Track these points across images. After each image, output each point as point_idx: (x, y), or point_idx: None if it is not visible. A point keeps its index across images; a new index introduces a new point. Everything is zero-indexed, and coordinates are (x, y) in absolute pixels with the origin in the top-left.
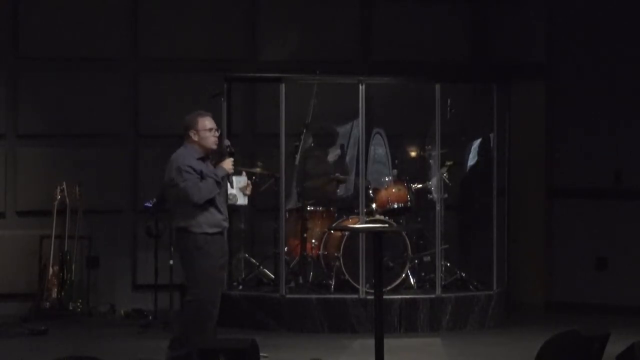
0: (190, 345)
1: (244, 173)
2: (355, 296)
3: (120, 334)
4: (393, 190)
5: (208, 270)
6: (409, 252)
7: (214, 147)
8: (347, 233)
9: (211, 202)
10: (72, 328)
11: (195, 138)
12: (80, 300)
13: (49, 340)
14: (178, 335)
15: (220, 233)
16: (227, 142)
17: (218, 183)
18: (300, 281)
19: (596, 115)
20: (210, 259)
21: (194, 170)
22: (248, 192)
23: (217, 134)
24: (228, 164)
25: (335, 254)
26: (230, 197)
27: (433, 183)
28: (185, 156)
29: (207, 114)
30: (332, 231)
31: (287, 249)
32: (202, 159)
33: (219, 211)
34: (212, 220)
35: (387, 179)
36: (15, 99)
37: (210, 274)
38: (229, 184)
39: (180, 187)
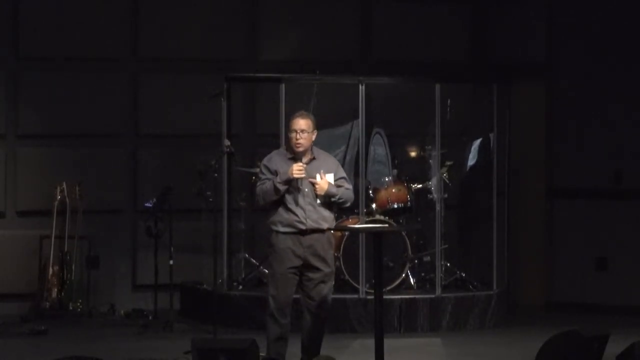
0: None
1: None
2: (355, 296)
3: (120, 334)
4: (393, 190)
5: (276, 269)
6: (409, 252)
7: (295, 149)
8: (347, 233)
9: (286, 202)
10: (72, 328)
11: (288, 137)
12: (80, 300)
13: (49, 340)
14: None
15: (296, 233)
16: (227, 142)
17: (276, 187)
18: None
19: (596, 115)
20: (277, 259)
21: (269, 170)
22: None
23: (298, 136)
24: (292, 167)
25: (335, 254)
26: None
27: (433, 183)
28: (272, 155)
29: (300, 115)
30: (332, 231)
31: None
32: (294, 159)
33: (293, 212)
34: (285, 220)
35: (387, 179)
36: (15, 99)
37: (278, 273)
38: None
39: None
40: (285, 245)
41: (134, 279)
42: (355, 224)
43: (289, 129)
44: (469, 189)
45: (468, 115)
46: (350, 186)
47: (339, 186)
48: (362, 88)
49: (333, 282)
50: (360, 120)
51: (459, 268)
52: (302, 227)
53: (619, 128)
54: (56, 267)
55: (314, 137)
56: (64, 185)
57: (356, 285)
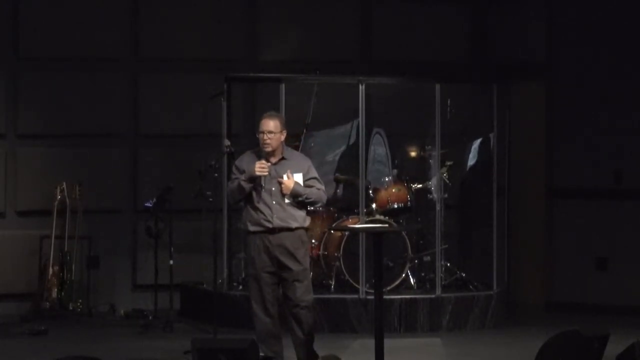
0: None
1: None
2: (355, 296)
3: (120, 334)
4: (393, 190)
5: (251, 270)
6: (409, 252)
7: (264, 149)
8: (347, 233)
9: (253, 201)
10: (72, 328)
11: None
12: (80, 300)
13: (49, 340)
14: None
15: (265, 232)
16: (227, 142)
17: (241, 185)
18: None
19: (596, 115)
20: (251, 260)
21: (238, 169)
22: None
23: (265, 137)
24: (255, 165)
25: (335, 254)
26: None
27: (433, 183)
28: (244, 155)
29: (269, 116)
30: (332, 231)
31: None
32: (265, 159)
33: (260, 210)
34: (253, 218)
35: (387, 179)
36: (15, 99)
37: (253, 274)
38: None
39: None
40: (256, 245)
41: (134, 279)
42: (355, 224)
43: (258, 129)
44: (469, 189)
45: (468, 115)
46: (321, 186)
47: (309, 186)
48: (362, 88)
49: (309, 281)
50: (360, 120)
51: (459, 268)
52: (269, 225)
53: (619, 128)
54: (56, 267)
55: (282, 137)
56: (64, 185)
57: (356, 285)
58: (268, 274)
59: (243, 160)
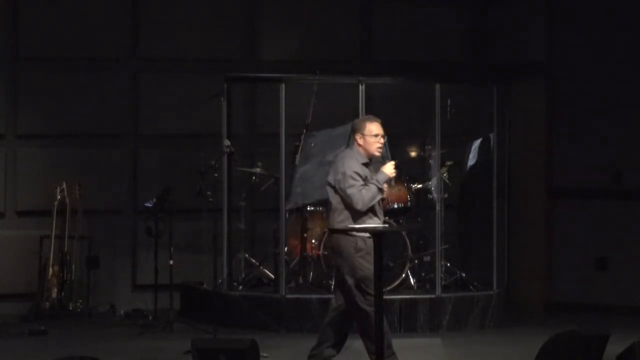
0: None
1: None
2: None
3: (120, 334)
4: (393, 190)
5: (367, 270)
6: (409, 252)
7: (377, 153)
8: None
9: (372, 207)
10: (72, 328)
11: (361, 142)
12: (80, 300)
13: (49, 340)
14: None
15: (370, 238)
16: (227, 142)
17: (380, 190)
18: (300, 281)
19: (596, 115)
20: (370, 261)
21: (360, 176)
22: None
23: (382, 140)
24: (389, 168)
25: None
26: None
27: (433, 183)
28: (352, 161)
29: (376, 120)
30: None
31: (287, 249)
32: (365, 164)
33: (377, 215)
34: (366, 224)
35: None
36: (15, 99)
37: (370, 274)
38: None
39: (347, 193)
40: (368, 247)
41: (134, 279)
42: None
43: (364, 133)
44: (469, 189)
45: (468, 115)
46: None
47: None
48: (362, 88)
49: None
50: None
51: (459, 268)
52: (380, 229)
53: (619, 128)
54: (56, 267)
55: None
56: (64, 185)
57: None
58: None
59: (357, 167)
